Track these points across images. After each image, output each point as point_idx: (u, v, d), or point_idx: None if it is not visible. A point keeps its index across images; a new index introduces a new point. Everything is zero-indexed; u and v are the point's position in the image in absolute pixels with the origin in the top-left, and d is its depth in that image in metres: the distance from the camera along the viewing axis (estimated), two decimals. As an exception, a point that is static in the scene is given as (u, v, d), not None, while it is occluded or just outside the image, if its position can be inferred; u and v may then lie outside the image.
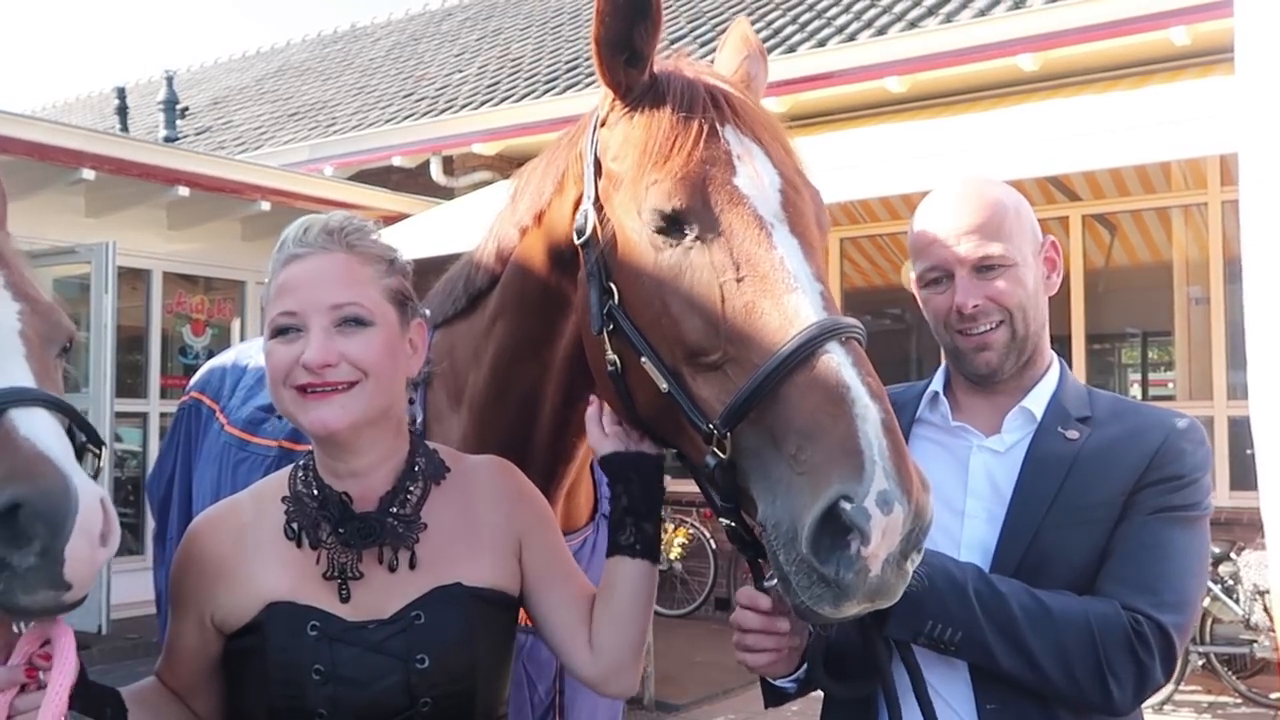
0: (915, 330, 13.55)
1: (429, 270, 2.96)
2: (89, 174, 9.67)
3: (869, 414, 1.59)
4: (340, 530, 1.85)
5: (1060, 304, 9.68)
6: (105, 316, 9.36)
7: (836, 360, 1.64)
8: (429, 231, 10.44)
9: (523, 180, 2.28)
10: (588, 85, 11.72)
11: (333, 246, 1.87)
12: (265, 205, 10.97)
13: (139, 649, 8.37)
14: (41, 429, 1.57)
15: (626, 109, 1.96)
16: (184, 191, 10.40)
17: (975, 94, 10.04)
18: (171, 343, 11.61)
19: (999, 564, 1.98)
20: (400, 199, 12.12)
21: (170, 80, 15.89)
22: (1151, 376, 14.56)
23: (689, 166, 1.82)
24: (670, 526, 10.41)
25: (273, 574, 1.86)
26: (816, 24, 11.06)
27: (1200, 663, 7.84)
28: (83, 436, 1.69)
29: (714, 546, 10.72)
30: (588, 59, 12.70)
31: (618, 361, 1.90)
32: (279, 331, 1.84)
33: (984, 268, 2.06)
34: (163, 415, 10.85)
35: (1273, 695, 7.79)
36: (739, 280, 1.75)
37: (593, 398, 2.06)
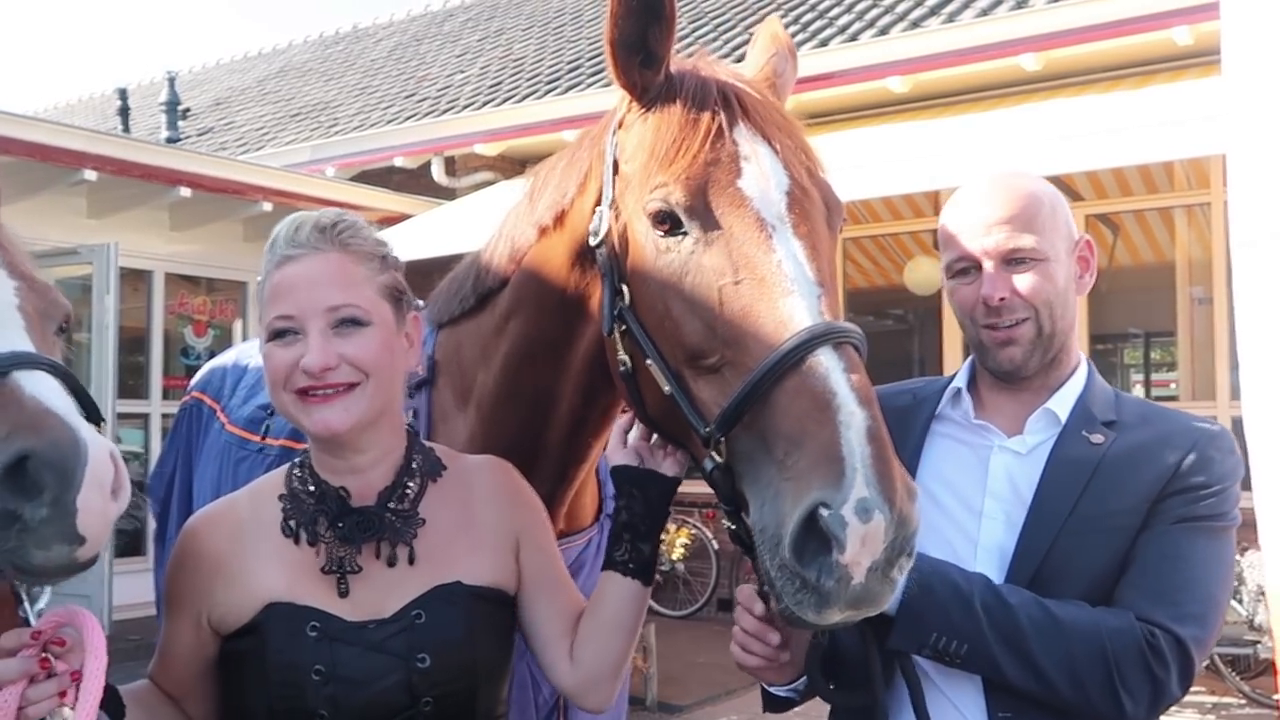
0: (917, 331, 13.54)
1: (432, 270, 2.96)
2: (91, 175, 9.67)
3: (853, 420, 1.58)
4: (339, 524, 1.85)
5: (1063, 304, 9.67)
6: (107, 317, 9.36)
7: (825, 366, 1.64)
8: (431, 232, 10.44)
9: (540, 179, 2.26)
10: (590, 86, 11.73)
11: (326, 246, 1.85)
12: (267, 206, 10.96)
13: (141, 650, 8.33)
14: (47, 388, 1.56)
15: (642, 110, 1.96)
16: (186, 192, 10.40)
17: (977, 94, 10.02)
18: (173, 343, 11.61)
19: (1016, 569, 1.93)
20: (402, 199, 12.11)
21: (172, 81, 15.88)
22: (1154, 377, 14.54)
23: (693, 168, 1.82)
24: (672, 527, 10.40)
25: (271, 573, 1.85)
26: (818, 24, 11.06)
27: (1204, 663, 7.82)
28: (83, 411, 1.69)
29: (716, 547, 10.71)
30: (590, 59, 12.74)
31: (628, 362, 1.90)
32: (276, 335, 1.83)
33: (1013, 260, 2.02)
34: (164, 416, 10.84)
35: (1276, 696, 7.77)
36: (737, 283, 1.74)
37: (624, 413, 2.06)
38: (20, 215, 9.24)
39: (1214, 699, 7.98)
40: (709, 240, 1.79)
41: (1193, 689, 7.29)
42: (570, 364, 2.16)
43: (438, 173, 12.49)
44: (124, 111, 16.02)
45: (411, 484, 1.91)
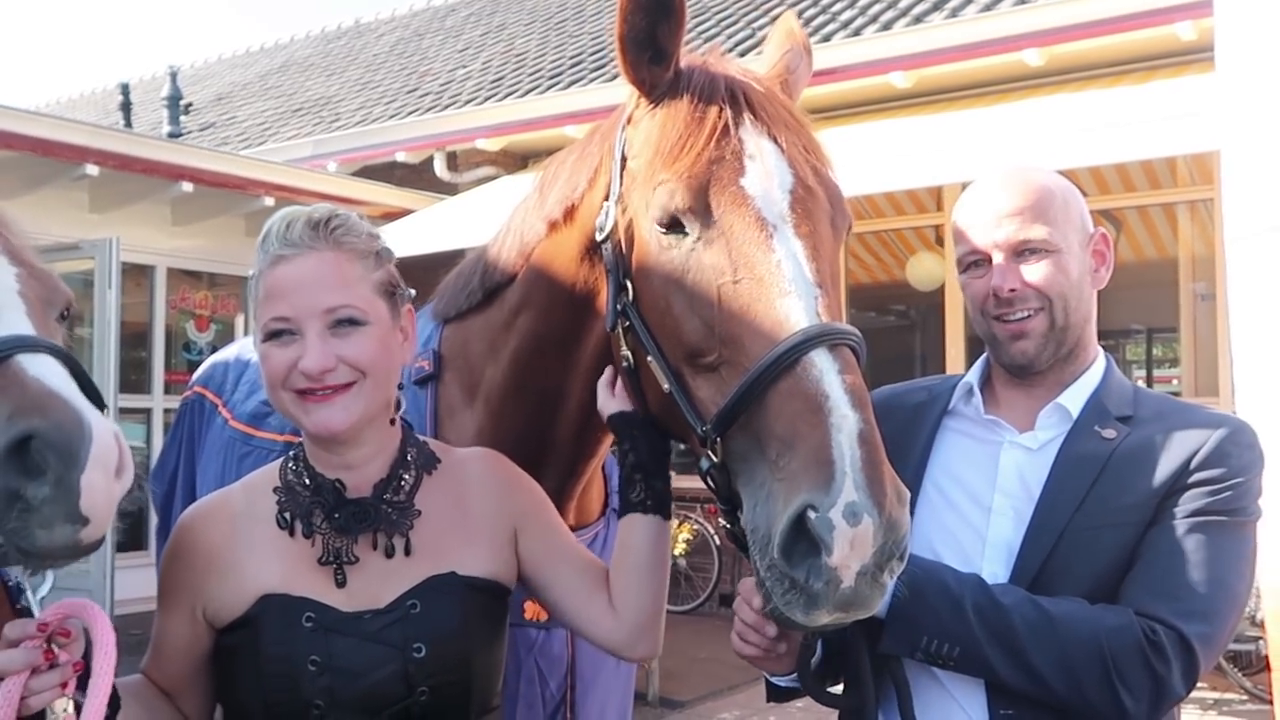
0: (919, 327, 13.53)
1: (436, 266, 2.96)
2: (93, 170, 9.66)
3: (845, 424, 1.58)
4: (335, 515, 1.85)
5: (1065, 300, 9.65)
6: (109, 313, 9.34)
7: (819, 368, 1.63)
8: (433, 227, 10.43)
9: (550, 174, 2.26)
10: (592, 81, 11.72)
11: (320, 245, 1.84)
12: (269, 201, 10.95)
13: (143, 645, 8.34)
14: (50, 371, 1.56)
15: (651, 105, 1.96)
16: (188, 187, 10.38)
17: (980, 89, 10.00)
18: (175, 339, 11.60)
19: (1022, 564, 1.92)
20: (404, 194, 12.10)
21: (174, 76, 15.86)
22: (1157, 373, 14.52)
23: (696, 167, 1.81)
24: (675, 522, 10.39)
25: (265, 566, 1.85)
26: (821, 19, 11.04)
27: (1214, 661, 7.81)
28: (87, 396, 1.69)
29: (718, 543, 10.71)
30: (592, 54, 12.74)
31: (631, 358, 1.91)
32: (272, 335, 1.83)
33: (1023, 252, 2.01)
34: (167, 411, 10.84)
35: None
36: (736, 283, 1.74)
37: (608, 367, 2.06)
38: (22, 210, 9.20)
39: (1215, 695, 7.98)
40: (709, 239, 1.78)
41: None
42: (580, 360, 2.15)
43: (440, 168, 12.48)
44: (126, 106, 16.02)
45: (407, 476, 1.92)
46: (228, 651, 1.87)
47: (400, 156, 12.56)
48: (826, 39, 10.35)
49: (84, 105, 22.42)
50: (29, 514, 1.46)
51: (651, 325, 1.85)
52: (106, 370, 9.33)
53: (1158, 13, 8.64)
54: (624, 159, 1.98)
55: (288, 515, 1.88)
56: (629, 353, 1.90)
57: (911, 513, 2.03)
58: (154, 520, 3.36)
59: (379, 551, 1.85)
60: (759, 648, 1.92)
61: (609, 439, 2.30)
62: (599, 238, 1.97)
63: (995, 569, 1.95)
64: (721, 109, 1.86)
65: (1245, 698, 7.84)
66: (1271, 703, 7.63)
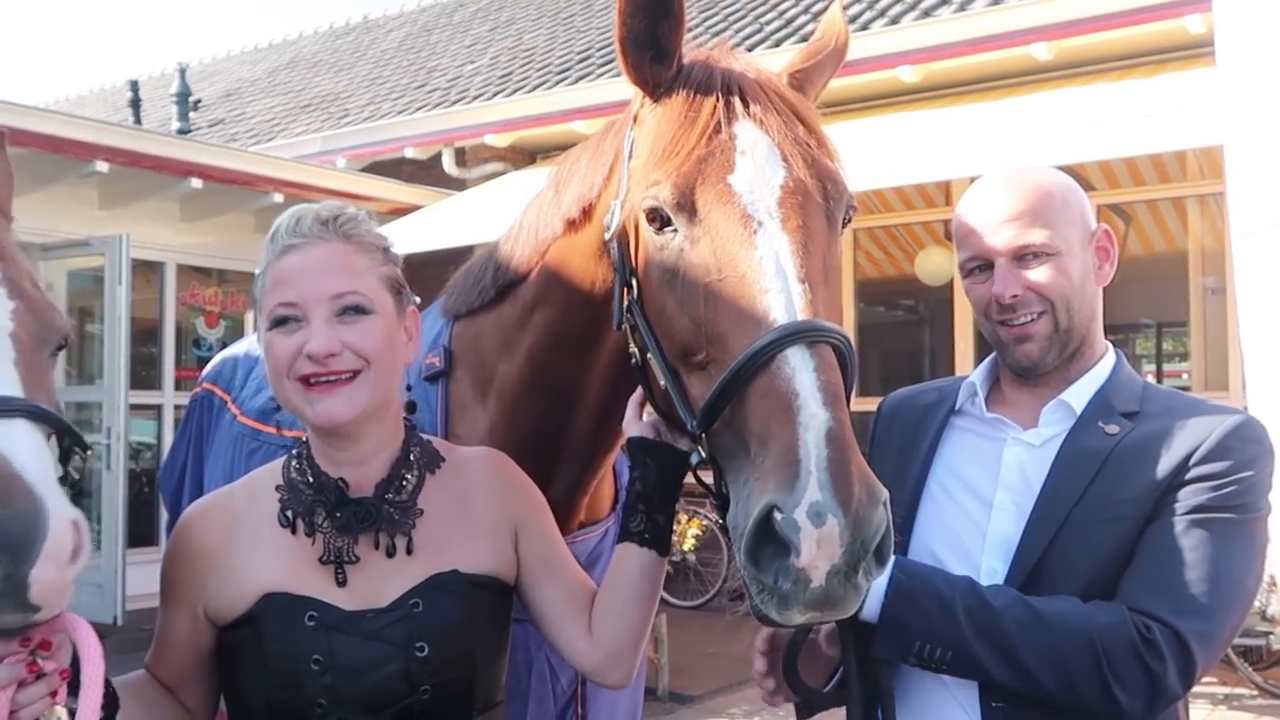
0: (928, 321, 13.52)
1: (446, 261, 2.96)
2: (102, 166, 9.68)
3: (813, 422, 1.57)
4: (337, 514, 1.86)
5: (1074, 294, 9.63)
6: (119, 309, 9.37)
7: (792, 365, 1.63)
8: (441, 223, 10.44)
9: (565, 171, 2.25)
10: (600, 76, 11.71)
11: (329, 236, 1.86)
12: (278, 197, 10.96)
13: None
14: (20, 445, 1.56)
15: (654, 104, 1.96)
16: (197, 184, 10.40)
17: (988, 83, 9.98)
18: (185, 335, 11.63)
19: (1020, 558, 1.92)
20: (412, 190, 12.11)
21: (183, 73, 15.90)
22: (1167, 367, 14.50)
23: (685, 165, 1.81)
24: (684, 518, 10.40)
25: (267, 564, 1.86)
26: (828, 12, 11.01)
27: (1213, 659, 7.80)
28: (69, 440, 1.70)
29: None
30: (600, 50, 12.72)
31: (638, 356, 1.91)
32: (278, 322, 1.83)
33: (1024, 256, 2.00)
34: (177, 407, 10.86)
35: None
36: (720, 280, 1.74)
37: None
38: (32, 207, 9.27)
39: (1226, 690, 7.97)
40: (695, 237, 1.78)
41: (1204, 679, 7.22)
42: (598, 356, 2.16)
43: (448, 164, 12.49)
44: (135, 103, 16.05)
45: (409, 475, 1.92)
46: (231, 649, 1.88)
47: (409, 152, 12.57)
48: (835, 33, 10.32)
49: (93, 102, 22.46)
50: None
51: (651, 323, 1.86)
52: (116, 367, 9.37)
53: (1166, 6, 8.61)
54: (630, 157, 1.98)
55: (289, 514, 1.88)
56: (635, 350, 1.91)
57: (915, 510, 2.03)
58: (164, 517, 3.37)
59: (380, 551, 1.86)
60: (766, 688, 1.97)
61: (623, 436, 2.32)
62: (606, 236, 1.98)
63: (994, 563, 1.95)
64: (716, 105, 1.86)
65: (1256, 693, 7.82)
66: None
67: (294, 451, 1.97)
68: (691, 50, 1.99)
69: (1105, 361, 2.08)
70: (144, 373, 11.00)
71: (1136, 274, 12.09)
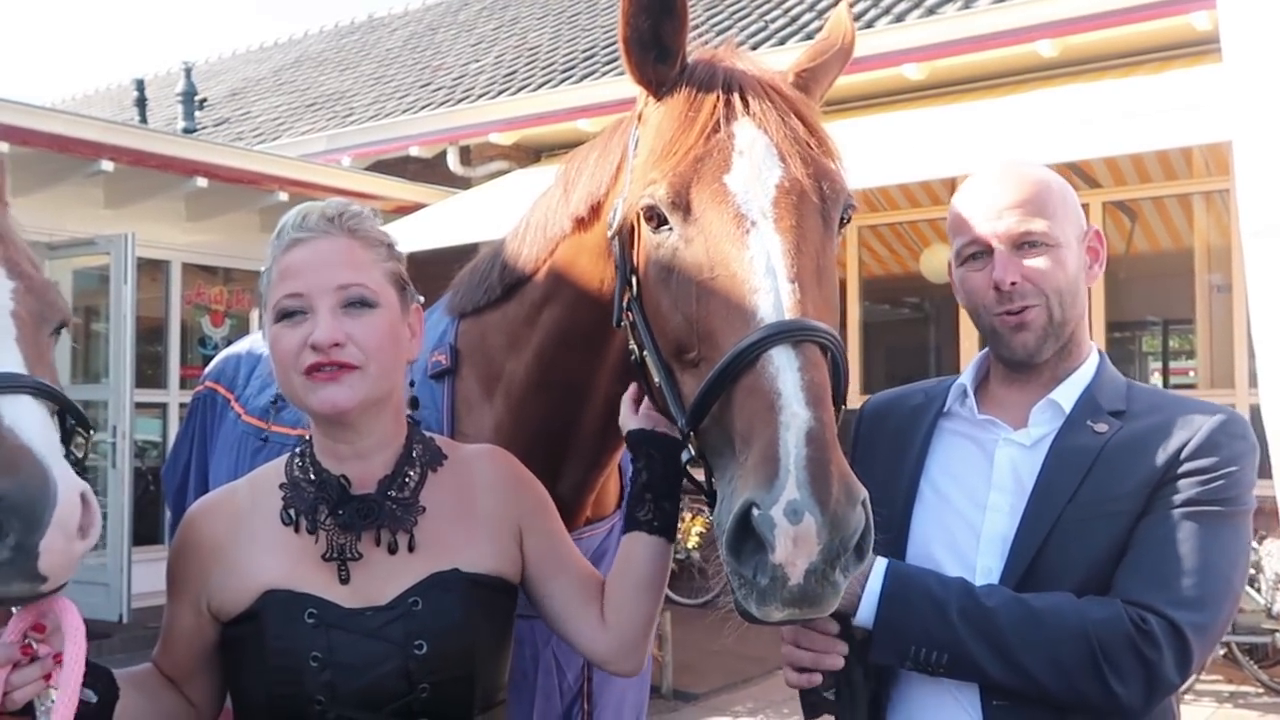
0: (933, 319, 13.51)
1: (451, 260, 2.96)
2: (108, 165, 9.70)
3: (794, 421, 1.58)
4: (339, 512, 1.86)
5: (1080, 292, 9.62)
6: (125, 307, 9.39)
7: (777, 364, 1.63)
8: (446, 221, 10.45)
9: (574, 169, 2.26)
10: (605, 74, 11.71)
11: (334, 231, 1.88)
12: (283, 196, 10.98)
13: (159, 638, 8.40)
14: (26, 418, 1.58)
15: (657, 103, 1.96)
16: (202, 182, 10.42)
17: (994, 80, 9.98)
18: (191, 333, 11.65)
19: (1014, 558, 1.92)
20: (417, 189, 12.12)
21: (188, 72, 15.90)
22: (1172, 365, 14.49)
23: (682, 165, 1.82)
24: (688, 515, 10.40)
25: (269, 561, 1.87)
26: (834, 11, 11.00)
27: (1221, 652, 7.80)
28: (72, 420, 1.71)
29: (732, 536, 10.66)
30: (605, 48, 12.72)
31: (636, 352, 1.92)
32: (284, 315, 1.84)
33: (1024, 244, 2.00)
34: (182, 405, 10.87)
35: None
36: (712, 279, 1.75)
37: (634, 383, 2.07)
38: (38, 206, 9.30)
39: (1231, 688, 7.96)
40: (690, 236, 1.79)
41: (1210, 677, 7.23)
42: (606, 354, 2.16)
43: (453, 162, 12.50)
44: (141, 102, 16.06)
45: (412, 472, 1.93)
46: (234, 644, 1.89)
47: (414, 151, 12.59)
48: (839, 31, 10.31)
49: (99, 101, 22.50)
50: None
51: (648, 321, 1.87)
52: (122, 365, 9.39)
53: (1171, 2, 8.60)
54: (634, 155, 1.99)
55: (292, 511, 1.89)
56: (634, 347, 1.92)
57: (910, 515, 2.03)
58: (168, 515, 3.38)
59: (382, 548, 1.86)
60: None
61: None
62: (609, 233, 1.98)
63: (990, 563, 1.95)
64: (716, 104, 1.86)
65: (1261, 690, 7.81)
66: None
67: (297, 449, 1.98)
68: (697, 49, 1.99)
69: (1090, 361, 2.09)
70: (149, 371, 11.02)
71: (1142, 271, 12.09)
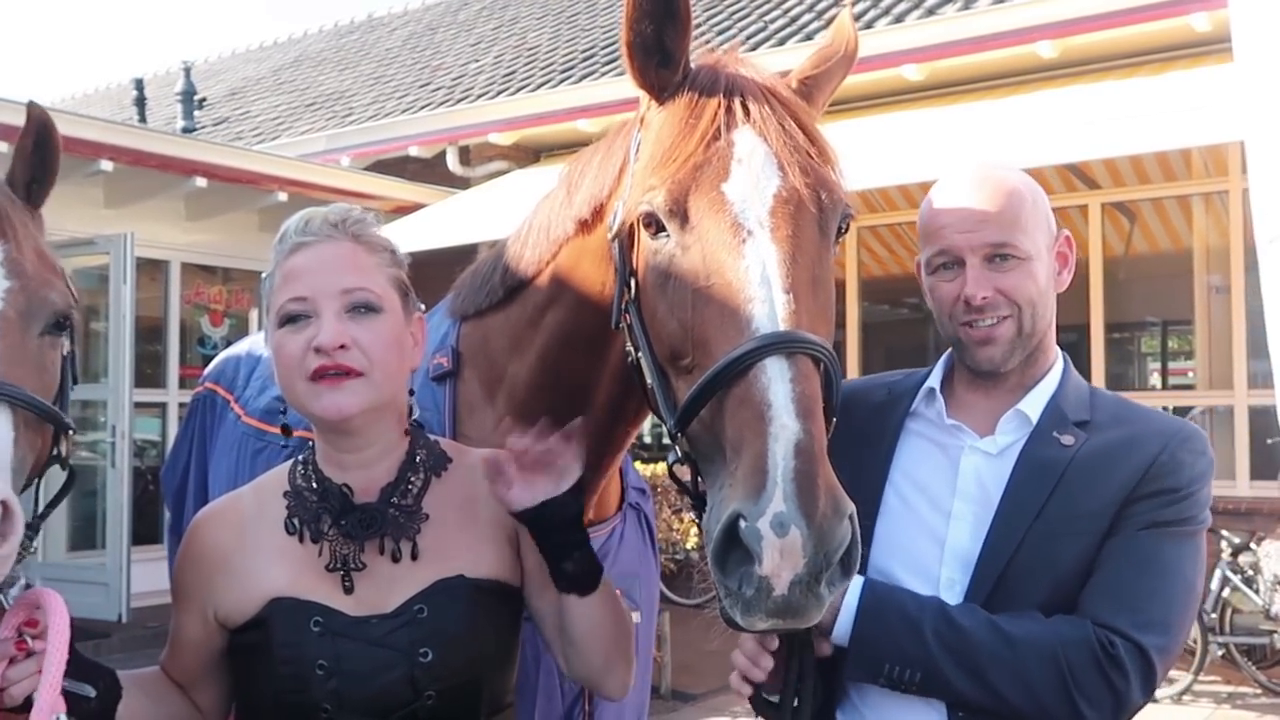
0: (931, 319, 13.50)
1: (450, 260, 2.96)
2: (107, 165, 9.71)
3: (783, 433, 1.58)
4: (342, 522, 1.86)
5: (1079, 293, 9.63)
6: (124, 307, 9.39)
7: (768, 375, 1.63)
8: (446, 221, 10.45)
9: (577, 171, 2.25)
10: (604, 74, 11.72)
11: (338, 235, 1.87)
12: (283, 196, 10.99)
13: (159, 638, 8.35)
14: None
15: (659, 107, 1.96)
16: (202, 182, 10.43)
17: (993, 81, 9.98)
18: (190, 333, 11.66)
19: (980, 573, 1.92)
20: (417, 189, 12.13)
21: (188, 71, 15.91)
22: (1171, 365, 14.50)
23: (681, 172, 1.81)
24: (685, 517, 10.41)
25: (274, 569, 1.86)
26: (834, 11, 11.02)
27: (1220, 653, 7.81)
28: (47, 420, 1.73)
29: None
30: (604, 48, 12.72)
31: (633, 354, 1.92)
32: (288, 319, 1.83)
33: (996, 258, 1.99)
34: (181, 405, 10.88)
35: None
36: (708, 287, 1.74)
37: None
38: (37, 205, 9.28)
39: (1230, 688, 7.96)
40: (687, 243, 1.79)
41: (1208, 678, 7.22)
42: (609, 356, 2.15)
43: (452, 162, 12.51)
44: (140, 102, 16.06)
45: (415, 479, 1.92)
46: (242, 650, 1.89)
47: (413, 151, 12.59)
48: (839, 32, 10.32)
49: (98, 101, 22.50)
50: None
51: (644, 324, 1.87)
52: (121, 365, 9.39)
53: (1170, 4, 8.61)
54: (635, 160, 1.99)
55: (296, 520, 1.89)
56: (630, 349, 1.92)
57: (874, 519, 2.02)
58: (168, 516, 3.38)
59: (386, 556, 1.86)
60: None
61: (634, 432, 2.33)
62: (609, 236, 1.98)
63: (953, 574, 1.95)
64: (717, 112, 1.86)
65: (1259, 691, 7.82)
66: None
67: (300, 458, 1.97)
68: (702, 53, 1.99)
69: (1056, 368, 2.08)
70: (149, 371, 11.02)
71: (1141, 272, 12.09)
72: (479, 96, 12.77)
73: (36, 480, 1.82)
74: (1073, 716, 1.81)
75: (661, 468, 4.25)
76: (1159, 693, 6.99)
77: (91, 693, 1.72)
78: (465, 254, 2.51)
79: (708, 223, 1.78)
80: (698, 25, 1.99)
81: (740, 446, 1.61)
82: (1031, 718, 1.84)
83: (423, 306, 2.01)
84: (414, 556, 1.86)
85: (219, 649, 1.92)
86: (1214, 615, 7.83)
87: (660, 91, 1.94)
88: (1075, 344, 10.33)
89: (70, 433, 1.81)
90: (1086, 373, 10.25)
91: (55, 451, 1.81)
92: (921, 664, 1.84)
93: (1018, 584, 1.90)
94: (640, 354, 1.87)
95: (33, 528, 1.72)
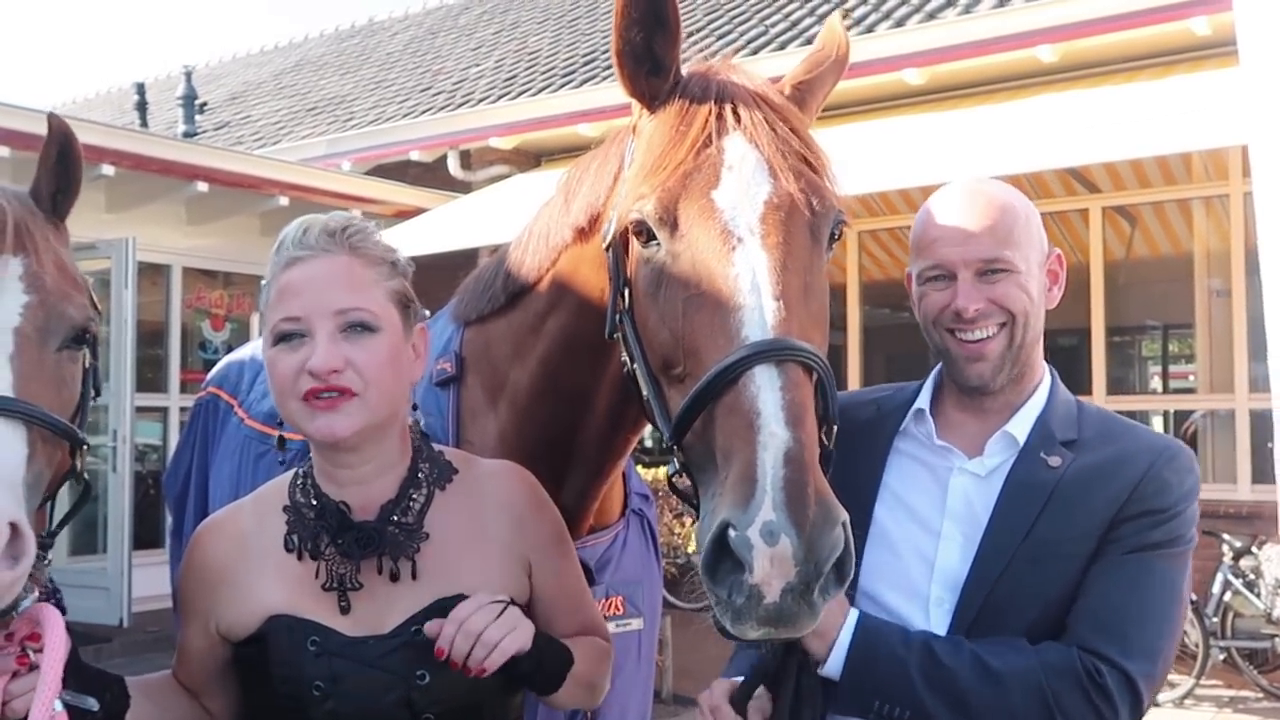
0: (934, 323, 13.48)
1: (452, 264, 2.96)
2: (109, 170, 9.71)
3: (772, 442, 1.58)
4: (339, 540, 1.82)
5: (1080, 297, 9.63)
6: (125, 312, 9.40)
7: (758, 384, 1.63)
8: (447, 225, 10.45)
9: (574, 178, 2.25)
10: (605, 79, 11.72)
11: (335, 249, 1.82)
12: (284, 200, 10.99)
13: (160, 642, 8.40)
14: None
15: (651, 115, 1.95)
16: (203, 187, 10.43)
17: (994, 85, 9.98)
18: (191, 337, 11.65)
19: (967, 594, 1.93)
20: (418, 193, 12.13)
21: (189, 76, 15.92)
22: (1172, 369, 14.48)
23: (671, 180, 1.81)
24: (687, 520, 10.41)
25: (273, 585, 1.84)
26: (828, 21, 11.01)
27: (1221, 657, 7.80)
28: (55, 431, 1.72)
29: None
30: (604, 53, 12.73)
31: (628, 363, 1.91)
32: (282, 338, 1.79)
33: (988, 272, 1.99)
34: (183, 410, 10.88)
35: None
36: (698, 296, 1.74)
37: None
38: (39, 210, 9.28)
39: (1231, 692, 7.95)
40: (677, 252, 1.78)
41: (1210, 682, 7.21)
42: (610, 363, 2.15)
43: (453, 166, 12.52)
44: (141, 106, 16.08)
45: (416, 495, 1.88)
46: (244, 662, 1.87)
47: (414, 155, 12.60)
48: (839, 36, 10.32)
49: (99, 105, 22.51)
50: None
51: (638, 333, 1.86)
52: (123, 369, 9.39)
53: (1171, 8, 8.61)
54: (628, 168, 1.98)
55: (295, 538, 1.86)
56: (626, 359, 1.91)
57: (864, 540, 2.01)
58: (169, 520, 3.37)
59: (384, 575, 1.82)
60: None
61: (635, 438, 2.32)
62: (604, 245, 1.98)
63: (941, 593, 1.96)
64: (707, 119, 1.85)
65: (1261, 695, 7.81)
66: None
67: (300, 470, 1.94)
68: (694, 60, 1.99)
69: (1044, 385, 2.08)
70: (150, 375, 11.02)
71: (1142, 276, 12.08)
72: (480, 101, 12.77)
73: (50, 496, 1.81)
74: None
75: (664, 472, 4.27)
76: (1160, 696, 6.97)
77: (95, 705, 1.71)
78: (467, 258, 2.51)
79: (697, 230, 1.77)
80: (698, 30, 1.99)
81: (730, 455, 1.61)
82: None
83: (426, 314, 1.98)
84: (414, 576, 1.82)
85: (224, 658, 1.90)
86: (1215, 619, 7.82)
87: (651, 99, 1.94)
88: (1076, 348, 10.33)
89: (85, 448, 1.79)
90: (1087, 377, 10.25)
91: (72, 465, 1.80)
92: (910, 704, 1.84)
93: (1005, 607, 1.90)
94: (635, 364, 1.86)
95: (44, 546, 1.72)
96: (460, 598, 1.80)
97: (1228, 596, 7.87)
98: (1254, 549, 7.86)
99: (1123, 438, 2.01)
